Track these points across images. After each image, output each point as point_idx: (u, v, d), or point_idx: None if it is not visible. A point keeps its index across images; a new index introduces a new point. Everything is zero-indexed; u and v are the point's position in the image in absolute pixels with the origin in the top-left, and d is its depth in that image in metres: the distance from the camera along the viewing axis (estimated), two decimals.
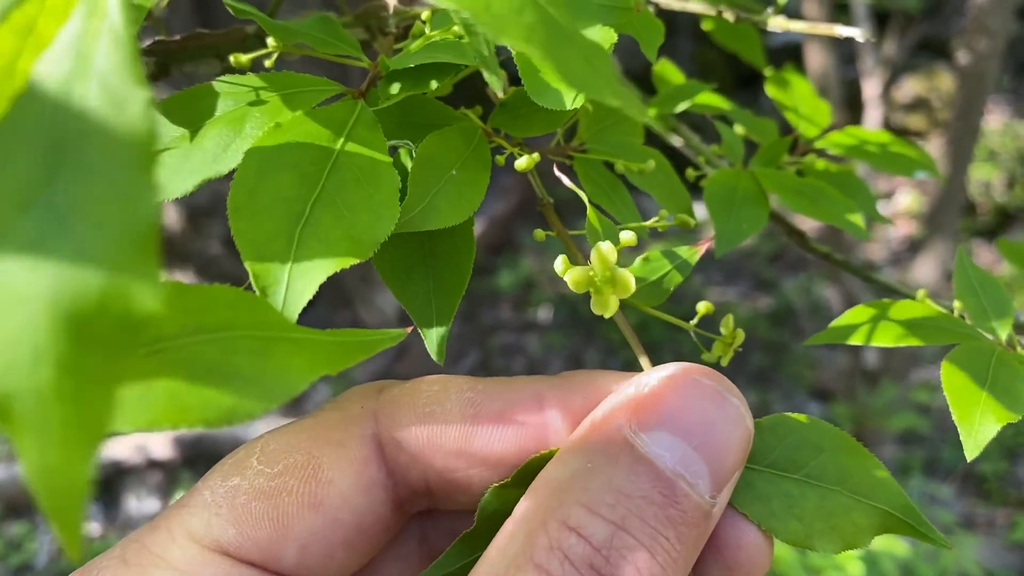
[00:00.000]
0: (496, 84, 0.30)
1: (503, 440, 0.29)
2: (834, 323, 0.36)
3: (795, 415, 0.29)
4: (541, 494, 0.26)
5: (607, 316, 0.29)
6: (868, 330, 0.35)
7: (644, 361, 0.30)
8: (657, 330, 2.59)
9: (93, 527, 2.10)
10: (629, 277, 0.28)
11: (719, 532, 0.27)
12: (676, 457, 0.25)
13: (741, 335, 0.32)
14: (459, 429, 0.29)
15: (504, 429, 0.29)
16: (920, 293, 0.37)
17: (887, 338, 0.34)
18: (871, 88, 2.60)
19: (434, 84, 0.31)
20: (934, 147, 3.43)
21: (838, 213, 0.40)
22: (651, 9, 0.45)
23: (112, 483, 2.18)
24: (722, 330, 0.32)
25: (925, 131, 3.60)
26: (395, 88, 0.31)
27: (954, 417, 0.30)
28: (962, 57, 1.97)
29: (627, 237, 0.30)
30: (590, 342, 2.71)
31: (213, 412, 0.19)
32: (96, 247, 0.15)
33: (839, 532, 0.27)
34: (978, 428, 0.30)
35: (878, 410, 2.10)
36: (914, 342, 0.34)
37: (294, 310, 0.26)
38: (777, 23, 0.41)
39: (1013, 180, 3.23)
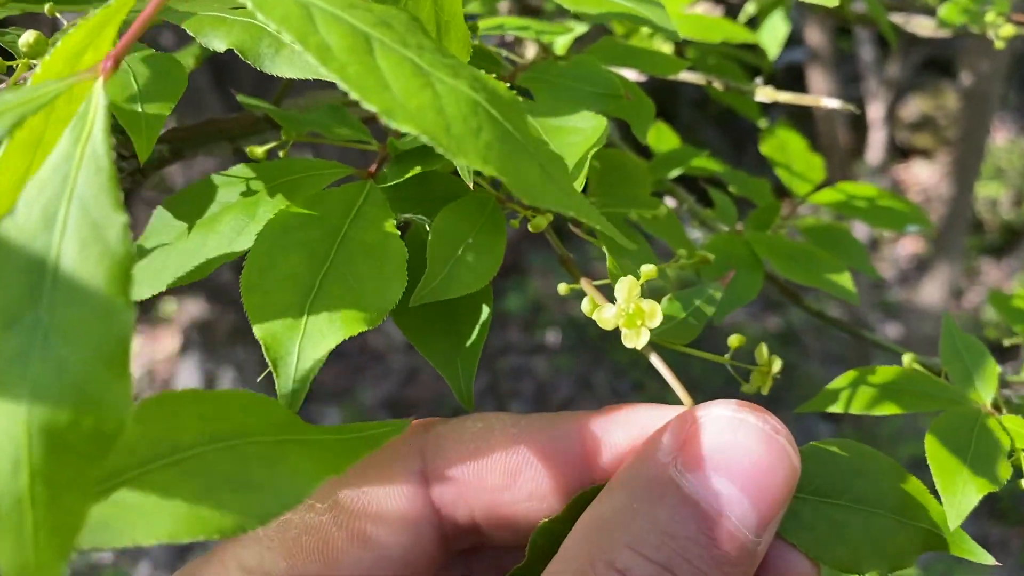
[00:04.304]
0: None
1: (548, 475, 0.29)
2: (827, 387, 0.38)
3: (837, 440, 0.29)
4: (587, 532, 0.26)
5: (639, 348, 0.29)
6: (856, 396, 0.36)
7: (685, 397, 0.29)
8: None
9: (105, 555, 2.11)
10: (655, 306, 0.29)
11: (768, 563, 0.28)
12: (721, 498, 0.26)
13: (778, 362, 0.32)
14: (504, 465, 0.29)
15: (548, 464, 0.29)
16: (907, 358, 0.38)
17: (875, 406, 0.35)
18: (875, 110, 2.61)
19: (441, 162, 0.32)
20: (940, 165, 3.44)
21: (830, 278, 0.42)
22: (642, 79, 0.46)
23: None
24: (757, 360, 0.32)
25: (931, 149, 3.60)
26: (403, 168, 0.33)
27: (937, 487, 0.31)
28: (965, 78, 1.98)
29: (648, 270, 0.31)
30: (598, 364, 2.71)
31: (228, 522, 0.21)
32: (74, 365, 0.16)
33: (885, 555, 0.27)
34: (960, 498, 0.31)
35: (886, 437, 2.10)
36: (900, 409, 0.35)
37: (307, 378, 0.27)
38: (765, 93, 0.43)
39: (1020, 197, 3.22)
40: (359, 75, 0.20)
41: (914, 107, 3.63)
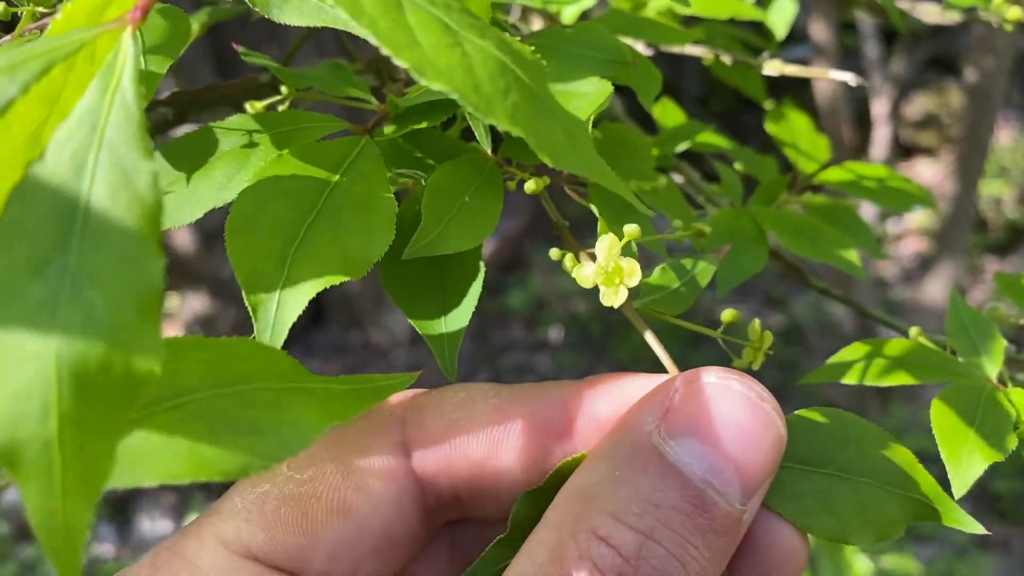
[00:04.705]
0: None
1: (531, 446, 0.29)
2: (830, 360, 0.37)
3: (822, 408, 0.29)
4: (570, 501, 0.26)
5: (616, 306, 0.29)
6: (863, 368, 0.36)
7: (669, 364, 0.29)
8: (671, 345, 2.58)
9: (106, 548, 2.11)
10: (635, 264, 0.28)
11: (754, 533, 0.27)
12: (705, 465, 0.25)
13: (769, 337, 0.31)
14: (486, 435, 0.29)
15: (531, 434, 0.29)
16: (913, 331, 0.38)
17: (881, 376, 0.35)
18: (880, 107, 2.61)
19: (438, 119, 0.32)
20: (944, 163, 3.43)
21: (837, 253, 0.41)
22: (651, 52, 0.46)
23: (126, 504, 2.20)
24: (750, 335, 0.32)
25: (936, 148, 3.59)
26: (402, 126, 0.33)
27: (943, 455, 0.31)
28: (969, 75, 1.98)
29: (631, 229, 0.30)
30: (601, 361, 2.71)
31: (232, 464, 0.20)
32: (103, 310, 0.16)
33: (873, 524, 0.27)
34: (965, 467, 0.31)
35: (889, 430, 2.09)
36: (907, 380, 0.35)
37: (285, 324, 0.27)
38: (772, 67, 0.42)
39: None
40: (390, 31, 0.20)
41: (918, 105, 3.62)
